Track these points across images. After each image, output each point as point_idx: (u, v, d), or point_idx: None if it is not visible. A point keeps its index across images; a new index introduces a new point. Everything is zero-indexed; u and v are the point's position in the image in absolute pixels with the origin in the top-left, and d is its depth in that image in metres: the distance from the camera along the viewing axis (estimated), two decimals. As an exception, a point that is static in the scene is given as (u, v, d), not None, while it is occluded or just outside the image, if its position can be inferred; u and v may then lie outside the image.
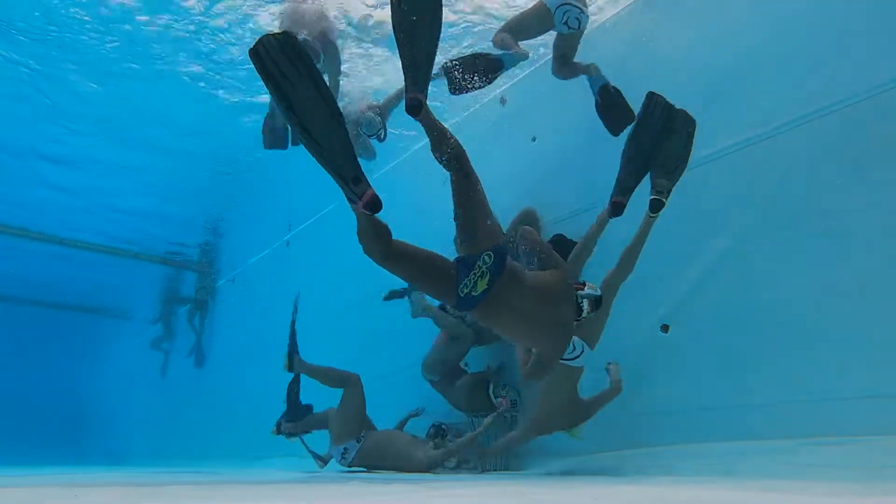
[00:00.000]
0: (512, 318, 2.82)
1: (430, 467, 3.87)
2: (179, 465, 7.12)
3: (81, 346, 16.61)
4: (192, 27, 6.12)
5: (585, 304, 2.86)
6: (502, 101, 5.19)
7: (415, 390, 4.68)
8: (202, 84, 6.92)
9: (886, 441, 2.50)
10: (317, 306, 6.31)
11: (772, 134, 3.26)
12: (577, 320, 2.89)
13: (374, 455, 4.14)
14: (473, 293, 2.62)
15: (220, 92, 7.05)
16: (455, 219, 2.73)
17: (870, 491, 1.91)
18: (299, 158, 4.62)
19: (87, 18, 5.93)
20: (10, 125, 7.65)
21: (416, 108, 2.50)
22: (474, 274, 2.62)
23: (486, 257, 2.65)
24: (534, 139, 4.12)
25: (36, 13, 5.86)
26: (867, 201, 2.83)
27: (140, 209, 10.23)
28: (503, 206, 4.69)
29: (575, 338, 3.11)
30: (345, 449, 4.16)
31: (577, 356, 3.13)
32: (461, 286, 2.61)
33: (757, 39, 3.44)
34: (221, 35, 6.19)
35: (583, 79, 4.04)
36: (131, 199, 9.87)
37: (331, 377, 4.37)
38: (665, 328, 3.05)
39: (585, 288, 2.89)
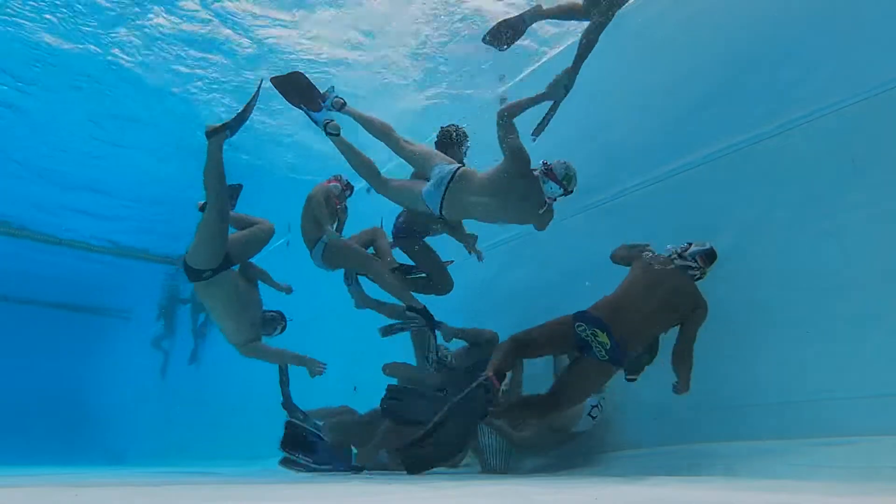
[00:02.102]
0: None
1: None
2: (179, 465, 7.10)
3: (81, 346, 16.59)
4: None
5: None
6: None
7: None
8: (203, 87, 6.93)
9: (886, 441, 2.51)
10: (316, 305, 6.31)
11: (772, 134, 3.26)
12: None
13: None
14: None
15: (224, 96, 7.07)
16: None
17: (870, 491, 1.91)
18: (299, 160, 4.63)
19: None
20: (9, 125, 7.66)
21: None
22: None
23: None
24: (534, 139, 4.14)
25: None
26: (867, 201, 2.84)
27: (140, 209, 10.22)
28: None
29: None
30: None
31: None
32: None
33: (757, 38, 3.44)
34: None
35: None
36: (131, 199, 9.86)
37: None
38: (665, 328, 3.06)
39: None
